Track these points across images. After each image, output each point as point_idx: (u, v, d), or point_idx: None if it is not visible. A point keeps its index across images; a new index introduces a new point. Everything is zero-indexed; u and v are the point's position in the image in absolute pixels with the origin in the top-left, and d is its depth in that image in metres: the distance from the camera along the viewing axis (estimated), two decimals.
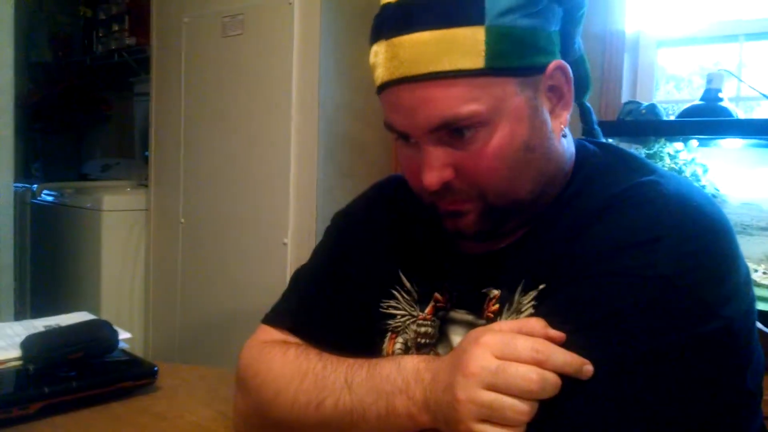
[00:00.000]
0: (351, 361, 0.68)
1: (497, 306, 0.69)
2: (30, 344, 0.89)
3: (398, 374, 0.62)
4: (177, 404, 0.92)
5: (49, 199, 2.73)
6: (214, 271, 2.27)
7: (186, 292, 2.39)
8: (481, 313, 0.71)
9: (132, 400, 0.92)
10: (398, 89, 0.65)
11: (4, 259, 1.48)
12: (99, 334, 0.93)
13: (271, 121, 2.06)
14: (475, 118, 0.63)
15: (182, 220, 2.39)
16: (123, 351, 0.98)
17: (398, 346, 0.77)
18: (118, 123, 3.41)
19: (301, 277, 0.85)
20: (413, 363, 0.63)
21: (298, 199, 2.03)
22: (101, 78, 3.42)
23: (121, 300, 2.45)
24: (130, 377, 0.93)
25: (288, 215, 2.03)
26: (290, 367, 0.72)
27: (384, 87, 0.66)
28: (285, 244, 2.02)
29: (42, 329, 0.97)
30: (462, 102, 0.62)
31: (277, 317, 0.81)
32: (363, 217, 0.85)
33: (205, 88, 2.29)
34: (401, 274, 0.79)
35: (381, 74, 0.66)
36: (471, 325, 0.71)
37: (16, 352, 0.91)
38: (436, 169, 0.65)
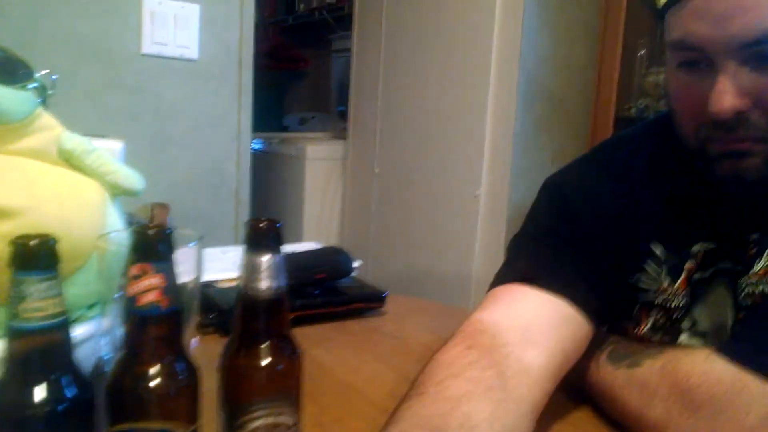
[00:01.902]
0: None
1: (755, 250, 0.64)
2: None
3: None
4: (403, 327, 0.99)
5: (258, 147, 3.01)
6: (406, 220, 2.35)
7: (378, 238, 2.52)
8: (740, 261, 0.65)
9: (364, 320, 1.00)
10: None
11: (242, 194, 1.68)
12: (338, 258, 1.03)
13: (470, 73, 2.06)
14: None
15: (377, 170, 2.51)
16: (354, 277, 1.07)
17: (650, 322, 0.72)
18: (314, 79, 3.61)
19: (521, 246, 0.75)
20: None
21: (493, 151, 2.03)
22: (301, 36, 3.64)
23: (319, 239, 2.65)
24: (365, 298, 1.02)
25: (482, 167, 2.04)
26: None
27: None
28: (477, 196, 2.04)
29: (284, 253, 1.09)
30: None
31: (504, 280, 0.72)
32: (592, 188, 0.74)
33: (404, 42, 2.35)
34: (650, 246, 0.71)
35: None
36: (729, 273, 0.67)
37: None
38: (733, 94, 0.56)
